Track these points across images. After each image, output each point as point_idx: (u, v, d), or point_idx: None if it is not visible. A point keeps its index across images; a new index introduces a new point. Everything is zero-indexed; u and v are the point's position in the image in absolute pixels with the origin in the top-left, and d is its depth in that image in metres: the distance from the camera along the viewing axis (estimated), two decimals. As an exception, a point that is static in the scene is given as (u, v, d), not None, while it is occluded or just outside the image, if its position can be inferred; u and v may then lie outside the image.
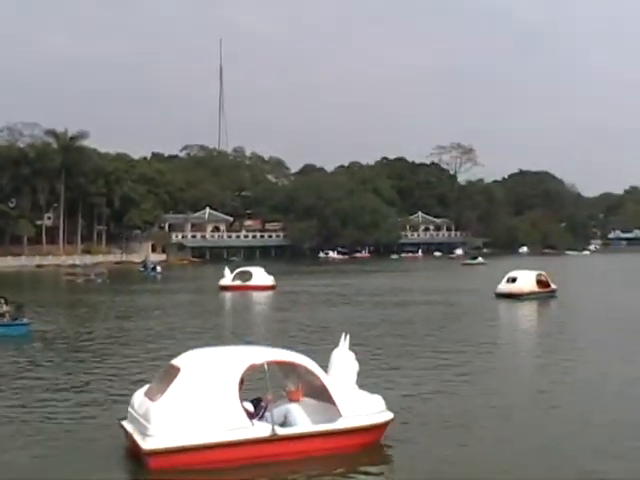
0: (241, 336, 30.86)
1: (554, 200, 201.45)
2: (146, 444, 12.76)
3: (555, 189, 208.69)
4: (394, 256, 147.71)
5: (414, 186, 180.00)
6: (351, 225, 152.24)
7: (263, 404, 13.97)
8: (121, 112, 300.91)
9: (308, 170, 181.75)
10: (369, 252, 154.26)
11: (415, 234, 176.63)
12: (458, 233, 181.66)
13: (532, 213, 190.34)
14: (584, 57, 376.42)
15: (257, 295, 53.55)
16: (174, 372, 13.58)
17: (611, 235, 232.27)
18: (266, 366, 13.74)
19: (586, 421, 16.37)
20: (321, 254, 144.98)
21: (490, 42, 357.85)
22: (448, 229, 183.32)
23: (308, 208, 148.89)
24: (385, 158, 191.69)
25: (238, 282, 58.70)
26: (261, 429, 13.23)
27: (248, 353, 14.51)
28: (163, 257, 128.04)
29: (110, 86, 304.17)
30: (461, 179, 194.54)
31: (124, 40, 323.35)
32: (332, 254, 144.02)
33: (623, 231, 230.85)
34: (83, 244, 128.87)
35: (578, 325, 36.49)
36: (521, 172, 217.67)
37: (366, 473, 13.14)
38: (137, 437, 13.10)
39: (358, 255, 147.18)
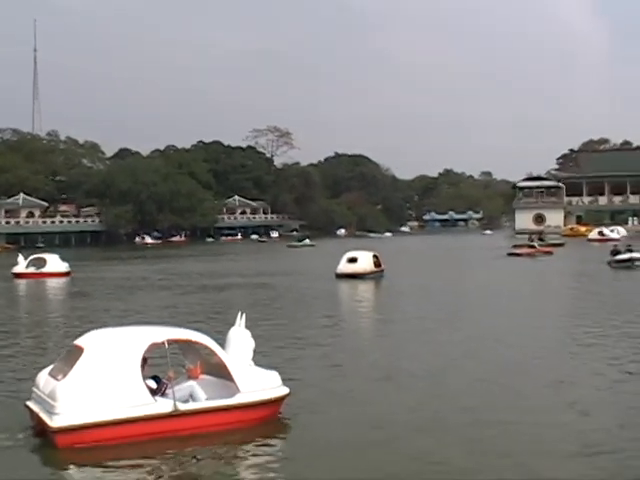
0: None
1: (370, 183, 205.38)
2: (53, 422, 12.87)
3: (371, 172, 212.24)
4: (209, 239, 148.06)
5: (230, 169, 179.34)
6: (167, 209, 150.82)
7: (165, 381, 14.14)
8: None
9: (123, 154, 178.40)
10: (185, 236, 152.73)
11: (232, 217, 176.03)
12: (275, 216, 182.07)
13: (348, 195, 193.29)
14: (401, 44, 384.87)
15: (51, 283, 51.18)
16: (78, 352, 13.65)
17: (426, 217, 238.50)
18: (166, 344, 13.97)
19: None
20: (137, 239, 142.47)
21: (310, 26, 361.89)
22: (265, 212, 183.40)
23: (124, 192, 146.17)
24: (201, 141, 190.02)
25: (32, 269, 56.29)
26: (163, 405, 13.47)
27: (149, 332, 14.58)
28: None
29: None
30: (277, 162, 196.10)
31: None
32: (148, 239, 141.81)
33: (438, 213, 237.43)
34: None
35: (420, 298, 37.84)
36: (337, 155, 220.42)
37: (263, 445, 13.46)
38: (44, 416, 13.18)
39: (174, 239, 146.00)
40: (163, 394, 13.83)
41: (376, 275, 48.57)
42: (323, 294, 40.24)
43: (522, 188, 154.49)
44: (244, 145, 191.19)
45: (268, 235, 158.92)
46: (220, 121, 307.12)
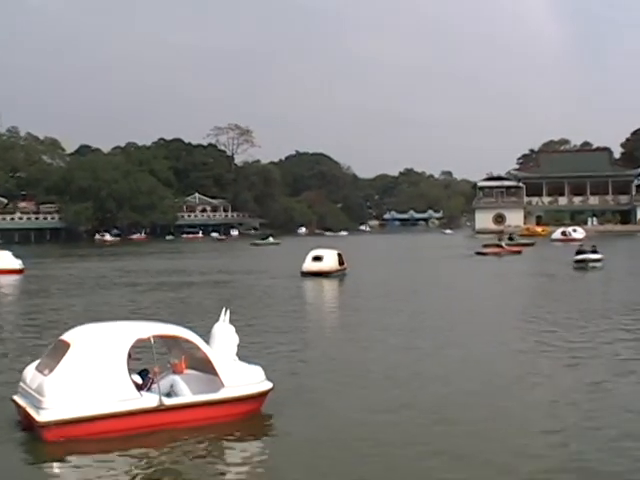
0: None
1: (330, 181, 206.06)
2: (40, 417, 12.96)
3: (331, 171, 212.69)
4: (170, 237, 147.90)
5: (191, 167, 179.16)
6: (127, 207, 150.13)
7: (150, 376, 14.22)
8: None
9: (84, 151, 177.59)
10: (146, 234, 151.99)
11: (192, 215, 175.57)
12: (235, 214, 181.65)
13: (308, 194, 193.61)
14: (362, 42, 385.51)
15: (1, 280, 49.64)
16: (64, 347, 13.72)
17: (387, 216, 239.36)
18: (152, 340, 14.07)
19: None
20: (97, 237, 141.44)
21: (269, 24, 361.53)
22: (225, 210, 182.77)
23: (83, 190, 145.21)
24: (162, 139, 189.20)
25: None
26: (149, 400, 13.58)
27: (135, 328, 14.71)
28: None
29: None
30: (238, 160, 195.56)
31: None
32: (107, 236, 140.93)
33: (398, 212, 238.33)
34: None
35: (385, 295, 37.99)
36: (298, 153, 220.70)
37: (247, 439, 13.69)
38: (31, 410, 13.26)
39: (135, 237, 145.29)
40: (149, 389, 13.91)
41: (340, 273, 48.85)
42: (289, 292, 40.21)
43: (482, 188, 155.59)
44: (205, 143, 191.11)
45: (228, 233, 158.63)
46: (181, 119, 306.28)
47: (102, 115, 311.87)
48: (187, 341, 14.66)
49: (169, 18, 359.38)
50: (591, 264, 51.29)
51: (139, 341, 14.02)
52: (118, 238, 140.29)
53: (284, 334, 24.63)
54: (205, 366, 14.44)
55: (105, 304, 34.49)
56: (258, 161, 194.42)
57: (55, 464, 12.44)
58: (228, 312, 15.19)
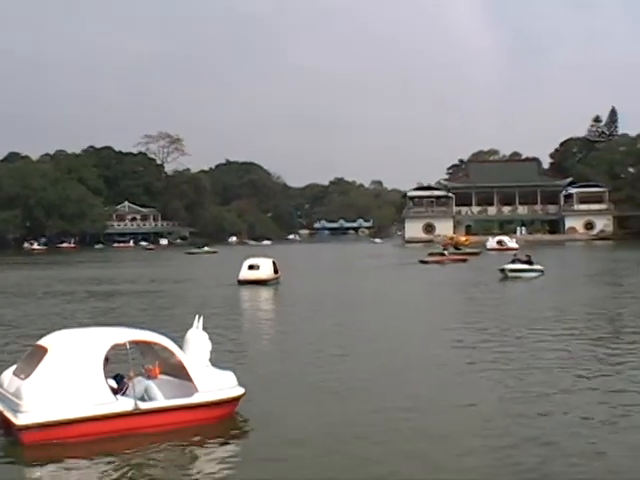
0: None
1: (260, 190, 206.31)
2: (18, 420, 13.08)
3: (261, 179, 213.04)
4: (99, 246, 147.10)
5: (121, 175, 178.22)
6: (56, 215, 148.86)
7: (126, 381, 14.39)
8: None
9: (12, 158, 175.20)
10: (75, 243, 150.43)
11: (122, 224, 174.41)
12: (165, 223, 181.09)
13: (239, 203, 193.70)
14: (297, 52, 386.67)
15: None
16: (42, 352, 13.85)
17: (317, 225, 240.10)
18: (128, 345, 14.29)
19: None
20: (25, 245, 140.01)
21: (200, 31, 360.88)
22: (155, 219, 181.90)
23: (12, 197, 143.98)
24: (92, 147, 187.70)
25: None
26: (124, 404, 13.74)
27: (111, 333, 14.88)
28: None
29: None
30: (168, 169, 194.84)
31: None
32: (36, 245, 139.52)
33: (328, 221, 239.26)
34: None
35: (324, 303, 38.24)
36: (228, 162, 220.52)
37: (219, 443, 13.81)
38: (8, 414, 13.36)
39: (64, 245, 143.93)
40: (124, 393, 14.07)
41: (275, 282, 49.18)
42: (226, 301, 39.99)
43: (412, 197, 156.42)
44: (135, 151, 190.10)
45: (157, 242, 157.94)
46: (112, 127, 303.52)
47: (31, 122, 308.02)
48: (162, 347, 14.83)
49: (100, 22, 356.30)
50: (522, 274, 50.53)
51: (115, 346, 14.16)
52: (46, 247, 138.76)
53: (231, 342, 24.60)
54: (179, 371, 14.64)
55: (39, 315, 33.44)
56: (188, 170, 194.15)
57: (33, 467, 12.53)
58: (201, 319, 15.38)
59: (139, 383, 14.47)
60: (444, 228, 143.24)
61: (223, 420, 14.64)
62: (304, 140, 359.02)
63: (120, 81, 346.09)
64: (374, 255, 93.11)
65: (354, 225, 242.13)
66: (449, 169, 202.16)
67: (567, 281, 49.14)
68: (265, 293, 44.90)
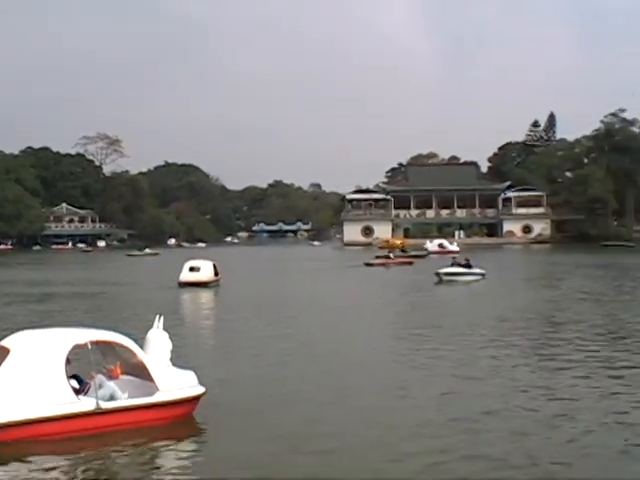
0: None
1: (199, 192, 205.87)
2: None
3: (200, 182, 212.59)
4: (37, 247, 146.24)
5: (59, 177, 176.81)
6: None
7: (87, 381, 14.51)
8: None
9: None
10: (12, 244, 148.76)
11: (60, 226, 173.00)
12: (103, 225, 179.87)
13: (177, 205, 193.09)
14: (235, 56, 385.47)
15: None
16: (4, 352, 13.91)
17: (255, 227, 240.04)
18: (89, 345, 14.35)
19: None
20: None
21: (138, 33, 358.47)
22: (93, 221, 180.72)
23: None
24: (30, 147, 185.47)
25: None
26: (86, 404, 13.86)
27: (73, 334, 14.92)
28: None
29: None
30: (107, 170, 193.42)
31: None
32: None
33: (267, 224, 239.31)
34: None
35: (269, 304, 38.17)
36: (167, 164, 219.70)
37: (180, 441, 14.07)
38: None
39: (0, 247, 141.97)
40: (86, 393, 14.19)
41: (215, 284, 49.47)
42: (167, 303, 39.23)
43: (351, 200, 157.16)
44: (73, 152, 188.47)
45: (94, 244, 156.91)
46: (50, 127, 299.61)
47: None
48: (123, 347, 14.93)
49: (39, 21, 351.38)
50: (459, 277, 50.62)
51: (76, 347, 14.25)
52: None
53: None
54: (140, 371, 14.76)
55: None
56: (127, 171, 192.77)
57: (-7, 466, 12.57)
58: (162, 319, 15.57)
59: (101, 383, 14.55)
60: (383, 231, 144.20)
61: (184, 419, 14.82)
62: (243, 142, 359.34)
63: (58, 81, 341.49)
64: (313, 258, 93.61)
65: (293, 228, 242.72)
66: (388, 172, 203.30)
67: (506, 284, 49.43)
68: (205, 295, 44.99)
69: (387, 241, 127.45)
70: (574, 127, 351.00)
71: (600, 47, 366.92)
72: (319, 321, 31.77)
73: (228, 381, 18.77)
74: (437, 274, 50.75)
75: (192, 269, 49.29)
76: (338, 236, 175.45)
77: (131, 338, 15.14)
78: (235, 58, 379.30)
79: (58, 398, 13.55)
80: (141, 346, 15.01)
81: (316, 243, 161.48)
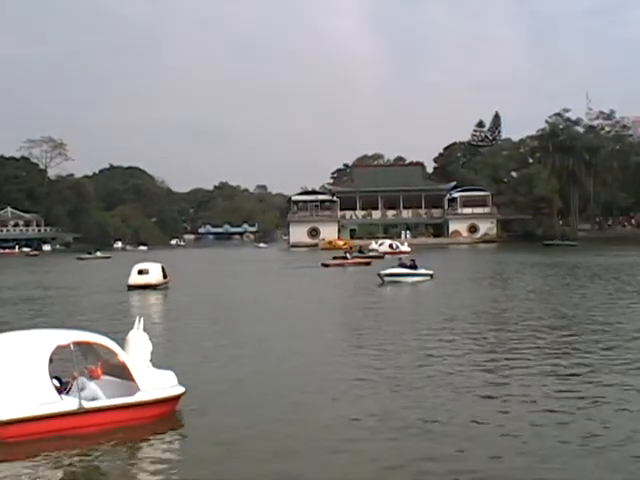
0: None
1: (144, 195, 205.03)
2: None
3: (145, 184, 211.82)
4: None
5: (3, 180, 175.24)
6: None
7: (70, 381, 14.86)
8: None
9: None
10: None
11: (4, 229, 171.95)
12: (49, 228, 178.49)
13: (123, 208, 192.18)
14: (179, 57, 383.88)
15: None
16: None
17: (201, 230, 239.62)
18: (72, 346, 14.76)
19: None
20: None
21: (84, 34, 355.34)
22: (38, 224, 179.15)
23: None
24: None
25: None
26: (69, 403, 14.22)
27: (55, 335, 15.23)
28: None
29: None
30: (52, 174, 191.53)
31: None
32: None
33: (213, 226, 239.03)
34: None
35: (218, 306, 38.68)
36: (112, 167, 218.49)
37: (161, 439, 14.45)
38: None
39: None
40: (67, 393, 14.57)
41: (164, 286, 49.70)
42: (116, 307, 39.47)
43: (297, 202, 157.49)
44: (18, 156, 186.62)
45: (40, 248, 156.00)
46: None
47: None
48: (104, 347, 15.37)
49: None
50: (403, 278, 50.35)
51: (59, 347, 14.58)
52: None
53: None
54: (121, 371, 15.15)
55: None
56: (72, 175, 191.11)
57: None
58: (142, 320, 16.08)
59: (82, 383, 14.91)
60: (329, 232, 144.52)
61: (165, 418, 15.24)
62: (188, 145, 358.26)
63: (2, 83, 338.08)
64: (260, 260, 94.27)
65: (239, 230, 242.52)
66: (334, 173, 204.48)
67: (453, 284, 49.45)
68: (154, 298, 44.99)
69: (330, 242, 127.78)
70: (519, 127, 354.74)
71: (544, 47, 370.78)
72: (264, 319, 32.47)
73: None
74: (379, 275, 50.45)
75: (141, 272, 49.41)
76: (284, 238, 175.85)
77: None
78: (180, 59, 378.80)
79: (41, 398, 13.89)
80: (121, 347, 15.39)
81: (262, 245, 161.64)
